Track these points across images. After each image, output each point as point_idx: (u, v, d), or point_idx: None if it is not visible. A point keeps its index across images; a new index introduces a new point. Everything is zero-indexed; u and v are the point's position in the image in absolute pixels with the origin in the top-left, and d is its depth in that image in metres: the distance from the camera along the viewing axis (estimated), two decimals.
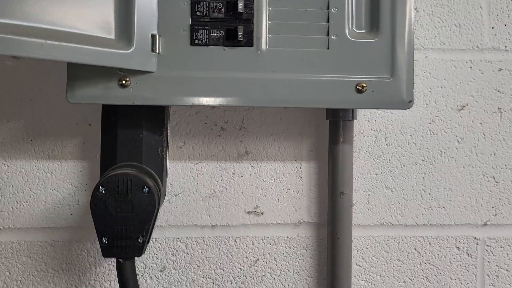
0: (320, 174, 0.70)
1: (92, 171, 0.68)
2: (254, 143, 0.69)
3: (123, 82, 0.56)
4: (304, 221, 0.70)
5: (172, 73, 0.57)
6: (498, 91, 0.72)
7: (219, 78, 0.57)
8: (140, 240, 0.56)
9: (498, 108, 0.72)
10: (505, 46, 0.72)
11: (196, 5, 0.57)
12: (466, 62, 0.72)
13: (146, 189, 0.56)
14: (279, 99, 0.58)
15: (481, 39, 0.72)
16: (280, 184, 0.70)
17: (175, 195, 0.69)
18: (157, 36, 0.56)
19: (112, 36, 0.54)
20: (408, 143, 0.71)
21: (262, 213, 0.70)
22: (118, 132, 0.61)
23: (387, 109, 0.70)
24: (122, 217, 0.55)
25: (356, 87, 0.58)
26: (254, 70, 0.58)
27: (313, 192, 0.70)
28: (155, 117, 0.62)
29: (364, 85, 0.58)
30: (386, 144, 0.71)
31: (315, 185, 0.70)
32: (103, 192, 0.56)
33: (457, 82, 0.72)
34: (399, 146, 0.71)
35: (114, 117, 0.61)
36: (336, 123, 0.66)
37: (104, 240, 0.56)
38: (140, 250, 0.56)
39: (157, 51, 0.56)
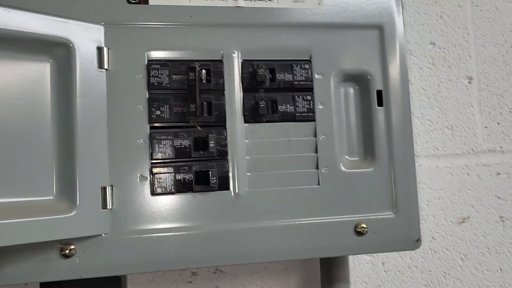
0: None
1: None
2: (233, 286, 0.58)
3: (67, 251, 0.43)
4: None
5: (129, 234, 0.45)
6: (498, 197, 0.65)
7: (188, 234, 0.46)
8: None
9: (500, 216, 0.65)
10: (501, 147, 0.65)
11: (157, 145, 0.46)
12: (463, 168, 0.64)
13: None
14: (264, 253, 0.47)
15: (476, 141, 0.65)
16: None
17: None
18: (109, 188, 0.44)
19: (51, 196, 0.42)
20: (409, 266, 0.62)
21: None
22: None
23: (392, 251, 0.60)
24: None
25: (355, 229, 0.49)
26: (232, 219, 0.47)
27: None
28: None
29: (365, 225, 0.49)
30: (385, 271, 0.61)
31: None
32: None
33: (455, 191, 0.64)
34: (398, 271, 0.62)
35: None
36: (329, 260, 0.56)
37: None
38: None
39: (110, 207, 0.44)
